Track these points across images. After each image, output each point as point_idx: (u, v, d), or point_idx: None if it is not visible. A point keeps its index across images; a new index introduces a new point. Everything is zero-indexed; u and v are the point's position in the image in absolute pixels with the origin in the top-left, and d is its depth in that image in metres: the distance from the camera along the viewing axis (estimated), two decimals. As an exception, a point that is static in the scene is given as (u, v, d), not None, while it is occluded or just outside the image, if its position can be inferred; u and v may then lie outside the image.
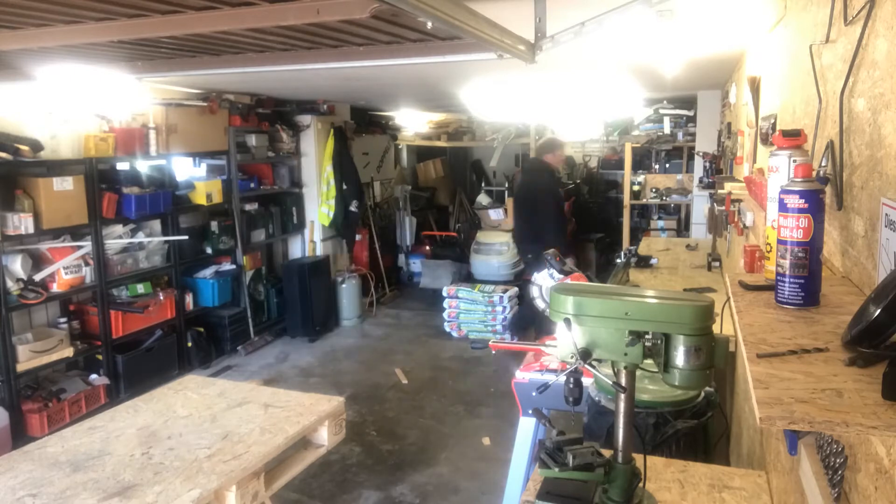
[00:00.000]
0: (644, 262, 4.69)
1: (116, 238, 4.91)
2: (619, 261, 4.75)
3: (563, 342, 1.39)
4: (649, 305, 1.35)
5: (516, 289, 6.65)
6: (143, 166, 5.28)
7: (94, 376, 4.77)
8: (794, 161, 1.22)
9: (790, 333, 1.02)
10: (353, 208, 7.14)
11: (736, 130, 4.07)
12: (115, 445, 2.33)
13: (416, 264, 8.41)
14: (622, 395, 1.46)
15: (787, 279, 1.13)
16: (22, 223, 4.12)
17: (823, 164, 1.44)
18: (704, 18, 2.73)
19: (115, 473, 2.13)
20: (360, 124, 7.97)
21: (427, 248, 8.52)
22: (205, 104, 5.65)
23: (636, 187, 8.80)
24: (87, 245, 4.63)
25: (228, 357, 5.92)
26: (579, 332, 1.39)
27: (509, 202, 7.93)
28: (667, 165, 9.26)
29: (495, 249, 7.28)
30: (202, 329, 5.79)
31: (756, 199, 2.34)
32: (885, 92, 1.10)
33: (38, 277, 4.32)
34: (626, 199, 8.43)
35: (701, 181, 5.99)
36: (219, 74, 4.18)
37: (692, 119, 7.52)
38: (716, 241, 4.73)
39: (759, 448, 2.27)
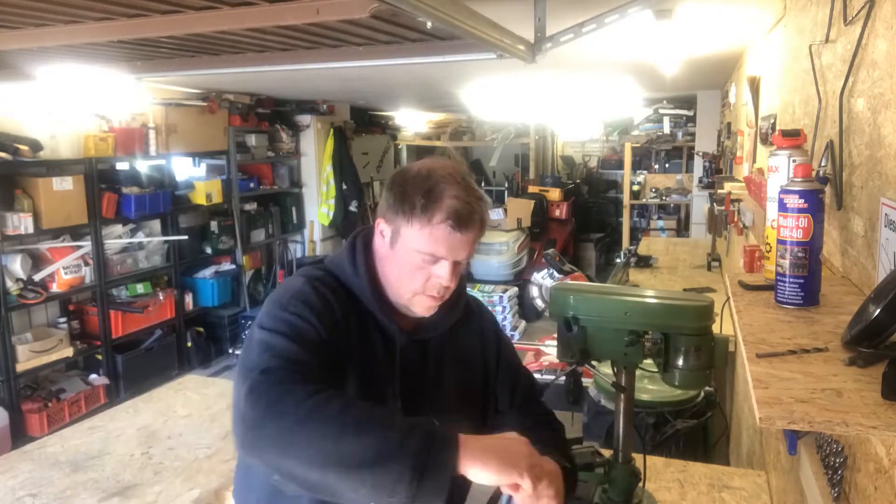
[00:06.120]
0: (644, 262, 4.69)
1: (116, 238, 4.91)
2: (618, 261, 4.75)
3: (563, 342, 1.39)
4: (649, 305, 1.35)
5: (516, 289, 6.64)
6: (143, 166, 5.27)
7: (93, 376, 4.77)
8: (794, 161, 1.22)
9: (790, 333, 1.02)
10: (352, 208, 7.14)
11: (735, 130, 4.07)
12: (115, 445, 2.33)
13: (415, 264, 8.38)
14: (622, 395, 1.46)
15: (786, 279, 1.13)
16: (21, 223, 4.12)
17: (823, 164, 1.44)
18: (704, 18, 2.73)
19: (115, 473, 2.12)
20: (360, 124, 7.96)
21: (427, 247, 8.48)
22: (204, 104, 5.65)
23: (636, 187, 8.80)
24: (86, 245, 4.63)
25: (228, 357, 5.91)
26: (579, 332, 1.38)
27: (509, 202, 7.93)
28: (666, 165, 9.27)
29: (495, 249, 7.28)
30: (202, 329, 5.79)
31: (756, 199, 2.34)
32: (885, 92, 1.10)
33: (37, 277, 4.31)
34: (626, 199, 8.43)
35: (700, 181, 5.99)
36: (218, 74, 4.17)
37: (692, 119, 7.51)
38: (715, 241, 4.73)
39: (758, 448, 2.27)
